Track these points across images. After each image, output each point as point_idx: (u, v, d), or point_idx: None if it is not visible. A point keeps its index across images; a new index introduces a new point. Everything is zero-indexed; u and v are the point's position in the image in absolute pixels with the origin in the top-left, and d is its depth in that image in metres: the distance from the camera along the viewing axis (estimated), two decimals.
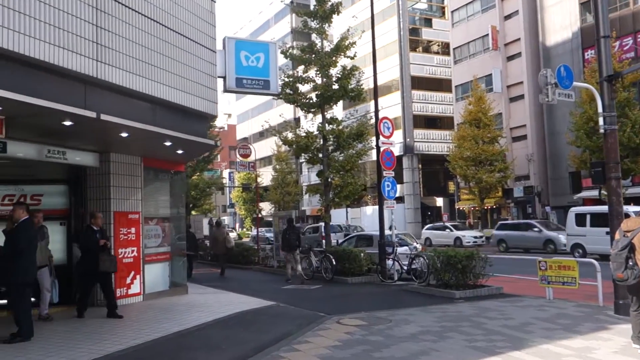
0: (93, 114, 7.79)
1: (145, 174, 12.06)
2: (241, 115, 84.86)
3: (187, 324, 8.95)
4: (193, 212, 58.71)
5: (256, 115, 74.44)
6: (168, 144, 10.21)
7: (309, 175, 50.84)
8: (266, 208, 58.58)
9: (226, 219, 68.54)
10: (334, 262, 15.33)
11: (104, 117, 7.96)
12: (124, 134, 9.10)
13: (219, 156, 76.71)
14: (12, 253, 7.63)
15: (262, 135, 68.96)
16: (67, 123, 8.02)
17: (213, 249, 21.38)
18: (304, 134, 18.09)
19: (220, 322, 9.20)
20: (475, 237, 32.40)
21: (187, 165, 29.93)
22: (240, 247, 22.79)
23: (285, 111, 50.31)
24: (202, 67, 10.73)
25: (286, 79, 18.38)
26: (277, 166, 57.45)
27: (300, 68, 19.54)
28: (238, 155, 24.45)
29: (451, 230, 33.28)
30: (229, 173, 69.68)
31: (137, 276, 11.49)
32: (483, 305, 10.27)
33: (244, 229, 64.49)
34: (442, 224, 36.65)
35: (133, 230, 11.49)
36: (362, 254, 15.51)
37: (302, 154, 18.27)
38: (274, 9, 72.69)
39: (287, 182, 55.15)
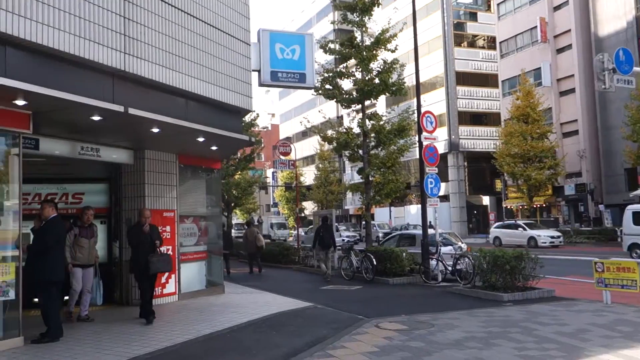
0: (121, 108, 7.54)
1: (181, 171, 11.86)
2: (284, 114, 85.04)
3: (220, 325, 8.63)
4: (237, 211, 59.35)
5: (299, 114, 74.28)
6: (201, 139, 9.92)
7: (352, 174, 50.32)
8: (309, 207, 58.41)
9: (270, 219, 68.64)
10: (375, 262, 14.82)
11: (132, 111, 7.70)
12: (155, 130, 8.84)
13: (262, 155, 77.32)
14: (40, 251, 7.46)
15: (305, 134, 68.87)
16: (96, 118, 7.81)
17: (245, 248, 21.29)
18: (344, 130, 17.60)
19: (254, 324, 8.84)
20: (553, 237, 29.28)
21: (229, 164, 30.00)
22: (281, 247, 22.51)
23: (328, 109, 49.97)
24: (236, 60, 10.42)
25: (326, 74, 17.96)
26: (320, 165, 57.22)
27: (333, 59, 19.05)
28: (278, 154, 24.19)
29: (524, 229, 30.21)
30: (273, 172, 69.91)
31: (172, 275, 11.27)
32: (533, 309, 9.59)
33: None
34: (513, 222, 33.75)
35: (168, 228, 11.28)
36: (404, 254, 14.94)
37: (343, 151, 17.80)
38: (315, 7, 72.49)
39: (330, 180, 54.81)
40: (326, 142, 18.23)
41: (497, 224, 34.78)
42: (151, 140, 10.29)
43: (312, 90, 17.43)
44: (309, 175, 60.82)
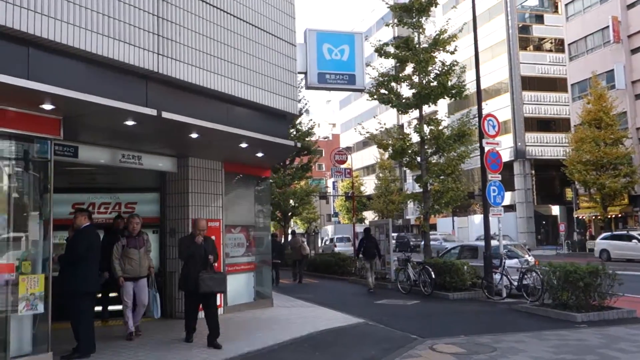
0: (153, 112, 7.13)
1: (227, 179, 11.45)
2: (345, 124, 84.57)
3: (260, 343, 8.05)
4: (298, 221, 59.19)
5: (359, 123, 73.63)
6: (244, 145, 9.44)
7: (413, 184, 49.16)
8: (369, 217, 57.45)
9: (329, 228, 68.16)
10: (433, 276, 13.90)
11: (165, 115, 7.28)
12: (194, 135, 8.42)
13: (323, 165, 76.89)
14: (71, 260, 7.13)
15: (365, 144, 68.02)
16: (129, 123, 7.44)
17: (291, 256, 21.27)
18: (400, 137, 16.80)
19: (297, 343, 8.22)
20: None
21: (286, 174, 29.67)
22: (336, 257, 21.83)
23: (388, 117, 48.95)
24: (280, 61, 9.90)
25: (380, 79, 17.23)
26: (381, 174, 56.24)
27: (393, 65, 18.23)
28: (334, 162, 23.59)
29: (639, 242, 26.25)
30: (333, 182, 69.45)
31: None
32: (612, 332, 8.49)
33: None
34: (625, 232, 28.93)
35: (213, 238, 10.84)
36: (465, 267, 13.96)
37: (399, 159, 16.99)
38: (375, 15, 71.81)
39: (390, 190, 53.74)
40: (381, 149, 17.42)
41: (604, 234, 30.40)
42: (194, 147, 9.92)
43: (367, 94, 16.78)
44: (369, 185, 59.96)
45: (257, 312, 11.22)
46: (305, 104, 30.65)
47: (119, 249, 8.42)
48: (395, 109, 17.00)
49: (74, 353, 7.02)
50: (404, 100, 16.81)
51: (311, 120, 30.49)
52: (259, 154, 10.50)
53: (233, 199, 11.85)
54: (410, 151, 16.57)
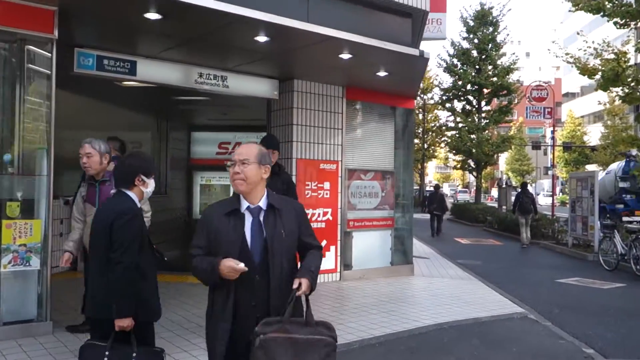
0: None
1: (351, 110, 8.94)
2: (568, 66, 74.43)
3: (354, 334, 5.56)
4: (509, 173, 53.79)
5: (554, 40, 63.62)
6: (346, 56, 6.76)
7: None
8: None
9: (545, 183, 61.27)
10: None
11: (209, 2, 4.98)
12: (261, 37, 6.00)
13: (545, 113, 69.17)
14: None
15: (593, 87, 58.80)
16: (152, 16, 5.30)
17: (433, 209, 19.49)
18: (612, 57, 12.26)
19: (402, 339, 5.56)
20: None
21: (481, 117, 25.82)
22: None
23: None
24: None
25: None
26: (609, 122, 47.89)
27: None
28: (530, 99, 19.27)
29: None
30: (551, 131, 61.71)
31: (332, 247, 8.51)
32: None
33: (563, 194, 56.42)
34: None
35: (327, 185, 8.51)
36: None
37: (611, 88, 12.52)
38: None
39: (620, 139, 45.43)
40: (585, 75, 13.02)
41: None
42: (295, 64, 7.56)
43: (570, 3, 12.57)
44: (594, 134, 51.72)
45: (385, 282, 8.68)
46: (507, 34, 26.08)
47: None
48: (611, 21, 12.34)
49: (84, 324, 5.31)
50: (622, 8, 12.05)
51: (513, 54, 25.86)
52: (381, 73, 7.72)
53: (362, 136, 9.30)
54: (629, 78, 11.99)
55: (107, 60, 6.56)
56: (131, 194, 3.20)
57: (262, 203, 2.65)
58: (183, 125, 13.84)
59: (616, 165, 20.39)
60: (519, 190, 16.29)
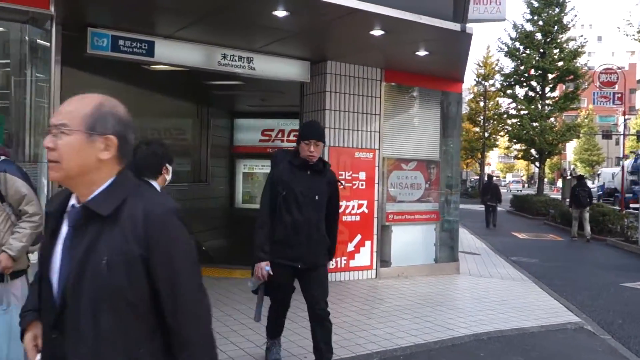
0: None
1: (390, 94, 8.24)
2: None
3: (383, 341, 4.96)
4: (577, 163, 51.14)
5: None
6: (378, 33, 6.08)
7: None
8: None
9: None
10: None
11: None
12: (280, 11, 5.41)
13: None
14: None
15: None
16: None
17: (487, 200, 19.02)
18: None
19: (434, 351, 4.88)
20: None
21: (544, 103, 24.35)
22: (595, 210, 16.57)
23: None
24: None
25: None
26: None
27: None
28: (598, 83, 17.81)
29: None
30: (624, 120, 58.21)
31: (367, 242, 7.89)
32: None
33: None
34: None
35: (362, 175, 7.87)
36: None
37: None
38: None
39: None
40: None
41: None
42: (326, 43, 6.96)
43: None
44: None
45: (425, 282, 7.99)
46: (575, 15, 24.40)
47: None
48: None
49: None
50: None
51: (582, 36, 24.18)
52: (421, 52, 6.98)
53: (403, 122, 8.59)
54: None
55: (122, 40, 6.16)
56: (156, 184, 2.98)
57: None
58: (225, 112, 13.51)
59: (627, 162, 25.39)
60: (576, 183, 15.88)
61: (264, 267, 3.72)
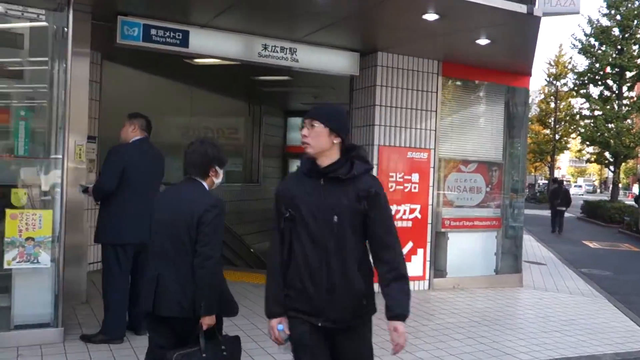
0: None
1: (447, 88, 7.58)
2: None
3: None
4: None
5: None
6: (432, 17, 5.45)
7: None
8: None
9: None
10: None
11: None
12: None
13: None
14: (98, 194, 4.62)
15: None
16: None
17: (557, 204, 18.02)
18: None
19: None
20: None
21: (621, 103, 22.77)
22: None
23: None
24: None
25: None
26: None
27: None
28: None
29: None
30: None
31: (419, 250, 7.24)
32: None
33: None
34: None
35: (415, 177, 7.22)
36: None
37: None
38: None
39: None
40: None
41: None
42: (375, 31, 6.39)
43: None
44: None
45: (487, 295, 7.28)
46: None
47: None
48: None
49: (99, 334, 4.59)
50: None
51: None
52: (482, 41, 6.28)
53: (463, 120, 7.88)
54: None
55: (154, 30, 5.81)
56: (205, 184, 2.93)
57: None
58: (277, 110, 13.15)
59: None
60: None
61: (275, 327, 2.46)
